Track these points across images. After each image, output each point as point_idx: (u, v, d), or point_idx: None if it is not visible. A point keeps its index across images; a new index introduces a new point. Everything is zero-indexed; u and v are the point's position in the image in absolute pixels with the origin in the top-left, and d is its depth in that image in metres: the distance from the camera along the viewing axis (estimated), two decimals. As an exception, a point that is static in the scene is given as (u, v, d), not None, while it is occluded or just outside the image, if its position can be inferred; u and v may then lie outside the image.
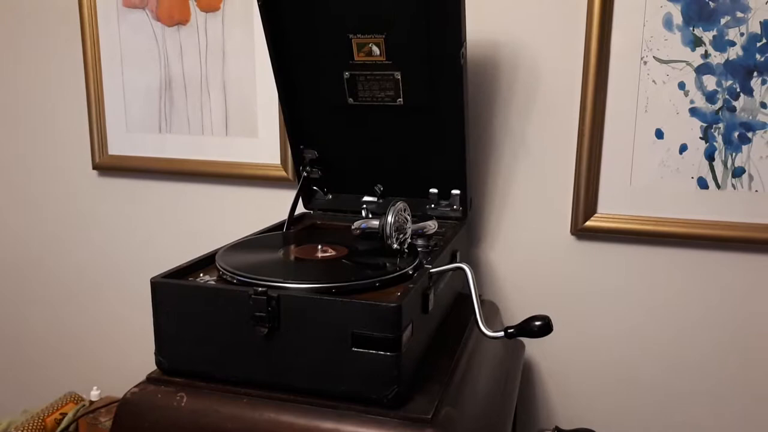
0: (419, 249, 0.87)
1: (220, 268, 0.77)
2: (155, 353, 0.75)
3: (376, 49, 0.94)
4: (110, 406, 1.22)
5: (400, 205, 0.83)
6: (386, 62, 0.95)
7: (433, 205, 1.05)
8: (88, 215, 1.43)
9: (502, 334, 0.72)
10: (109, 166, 1.37)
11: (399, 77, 0.96)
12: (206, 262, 0.83)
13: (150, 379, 0.75)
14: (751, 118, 1.00)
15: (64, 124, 1.40)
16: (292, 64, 1.02)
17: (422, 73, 0.95)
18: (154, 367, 0.76)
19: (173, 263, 0.81)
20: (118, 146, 1.35)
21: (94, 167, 1.37)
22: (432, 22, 0.90)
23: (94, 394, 1.30)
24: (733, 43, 0.98)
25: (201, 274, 0.79)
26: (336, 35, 0.95)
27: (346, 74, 0.98)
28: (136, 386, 0.74)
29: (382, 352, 0.65)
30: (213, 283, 0.75)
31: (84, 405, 1.27)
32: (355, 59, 0.96)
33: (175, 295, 0.73)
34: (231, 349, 0.71)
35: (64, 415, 1.25)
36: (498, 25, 1.09)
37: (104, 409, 1.22)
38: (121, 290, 1.43)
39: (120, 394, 1.19)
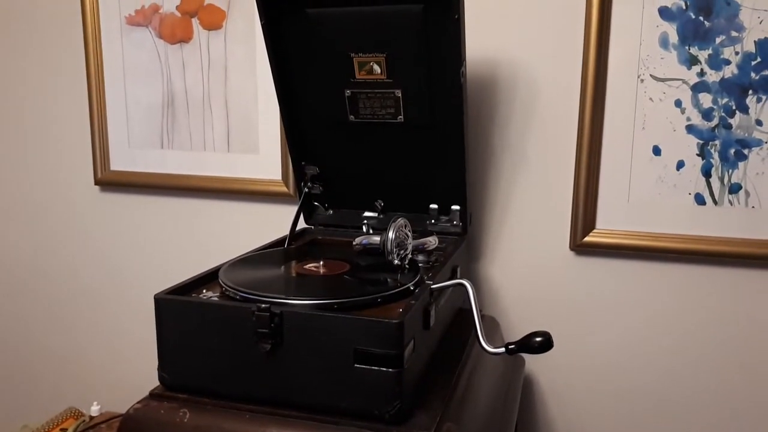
0: (420, 264, 0.88)
1: (223, 285, 0.78)
2: (158, 369, 0.75)
3: (377, 68, 0.96)
4: (111, 422, 1.22)
5: (401, 221, 0.84)
6: (387, 80, 0.96)
7: (433, 221, 1.06)
8: (89, 230, 1.43)
9: (503, 350, 0.72)
10: (111, 182, 1.38)
11: (400, 95, 0.97)
12: (209, 278, 0.83)
13: (153, 395, 0.75)
14: (747, 135, 1.01)
15: (66, 140, 1.41)
16: (294, 82, 1.03)
17: (422, 91, 0.96)
18: (155, 383, 0.76)
19: (175, 279, 0.82)
20: (120, 162, 1.36)
21: (96, 182, 1.38)
22: (432, 40, 0.92)
23: (95, 410, 1.30)
24: (728, 62, 1.00)
25: (204, 290, 0.79)
26: (337, 54, 0.96)
27: (348, 92, 0.99)
28: (138, 402, 0.74)
29: (384, 369, 0.66)
30: (216, 299, 0.76)
31: (84, 420, 1.27)
32: (357, 77, 0.97)
33: (179, 311, 0.73)
34: (234, 365, 0.72)
35: (64, 430, 1.24)
36: (497, 44, 1.11)
37: (105, 424, 1.22)
38: (122, 305, 1.44)
39: (120, 410, 1.19)
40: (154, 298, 0.74)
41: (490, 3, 1.10)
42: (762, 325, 1.06)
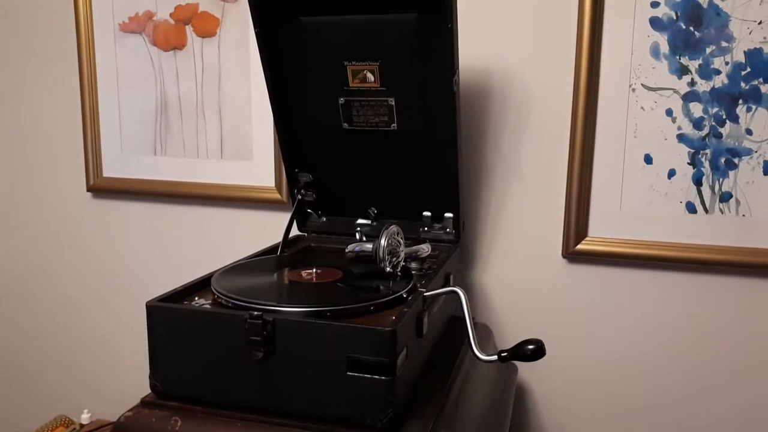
0: (413, 272, 0.88)
1: (216, 292, 0.78)
2: (150, 376, 0.75)
3: (370, 76, 0.96)
4: (101, 430, 1.21)
5: (394, 228, 0.84)
6: (380, 89, 0.97)
7: (426, 228, 1.06)
8: (81, 237, 1.43)
9: (495, 357, 0.72)
10: (104, 188, 1.37)
11: (393, 103, 0.97)
12: (201, 285, 0.83)
13: (144, 403, 0.75)
14: (737, 144, 1.02)
15: (59, 146, 1.41)
16: (288, 90, 1.03)
17: (416, 100, 0.96)
18: (147, 391, 0.76)
19: (167, 286, 0.82)
20: (112, 168, 1.36)
21: (89, 189, 1.38)
22: (426, 49, 0.92)
23: (85, 418, 1.29)
24: (718, 72, 1.01)
25: (196, 298, 0.79)
26: (331, 62, 0.97)
27: (341, 100, 1.00)
28: (130, 410, 0.74)
29: (377, 376, 0.66)
30: (208, 306, 0.76)
31: (74, 429, 1.26)
32: (350, 85, 0.98)
33: (171, 318, 0.73)
34: (226, 373, 0.71)
35: (54, 438, 1.24)
36: (491, 53, 1.12)
37: (95, 432, 1.21)
38: (113, 312, 1.43)
39: (111, 418, 1.18)
40: (147, 305, 0.74)
41: (483, 12, 1.11)
42: (753, 332, 1.07)
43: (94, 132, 1.35)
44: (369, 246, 0.86)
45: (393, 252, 0.83)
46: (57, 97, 1.39)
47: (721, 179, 1.04)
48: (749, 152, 1.02)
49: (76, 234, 1.43)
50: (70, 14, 1.32)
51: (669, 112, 1.04)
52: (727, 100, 1.01)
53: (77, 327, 1.47)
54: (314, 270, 0.87)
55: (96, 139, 1.35)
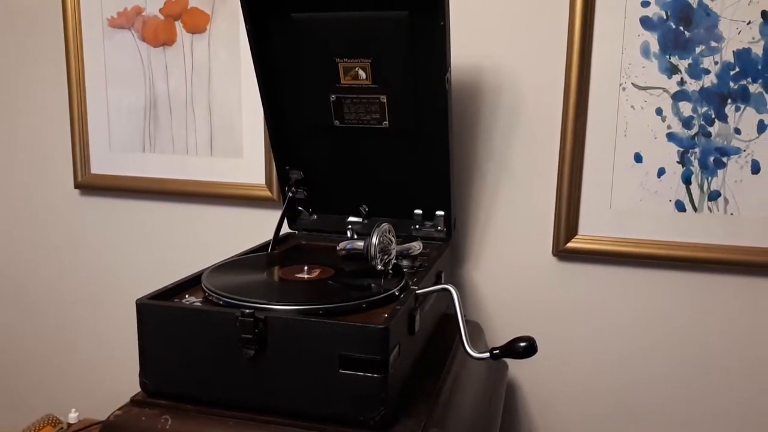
0: (404, 270, 0.88)
1: (206, 290, 0.77)
2: (140, 375, 0.74)
3: (362, 73, 0.96)
4: (89, 429, 1.20)
5: (385, 226, 0.84)
6: (372, 86, 0.96)
7: (417, 226, 1.06)
8: (69, 234, 1.41)
9: (487, 355, 0.72)
10: (92, 185, 1.36)
11: (384, 101, 0.97)
12: (192, 283, 0.82)
13: (134, 402, 0.74)
14: (725, 143, 1.03)
15: (46, 143, 1.39)
16: (279, 87, 1.03)
17: (407, 97, 0.96)
18: (136, 389, 0.75)
19: (156, 284, 0.81)
20: (100, 165, 1.35)
21: (76, 186, 1.36)
22: (417, 46, 0.92)
23: (73, 417, 1.28)
24: (707, 71, 1.02)
25: (187, 296, 0.79)
26: (323, 59, 0.96)
27: (333, 97, 0.99)
28: (119, 409, 0.73)
29: (369, 374, 0.66)
30: (199, 304, 0.75)
31: (62, 428, 1.25)
32: (342, 82, 0.97)
33: (161, 316, 0.72)
34: (217, 371, 0.71)
35: (41, 438, 1.22)
36: (482, 51, 1.12)
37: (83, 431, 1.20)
38: (102, 310, 1.42)
39: (99, 417, 1.17)
40: (136, 303, 0.73)
41: (475, 10, 1.11)
42: (742, 329, 1.08)
43: (82, 128, 1.34)
44: (360, 244, 0.86)
45: (384, 250, 0.83)
46: (44, 92, 1.37)
47: (709, 178, 1.04)
48: (738, 151, 1.03)
49: (63, 232, 1.42)
50: (57, 9, 1.31)
51: (659, 111, 1.05)
52: (716, 99, 1.02)
53: (65, 325, 1.45)
54: (305, 268, 0.87)
55: (84, 135, 1.34)
